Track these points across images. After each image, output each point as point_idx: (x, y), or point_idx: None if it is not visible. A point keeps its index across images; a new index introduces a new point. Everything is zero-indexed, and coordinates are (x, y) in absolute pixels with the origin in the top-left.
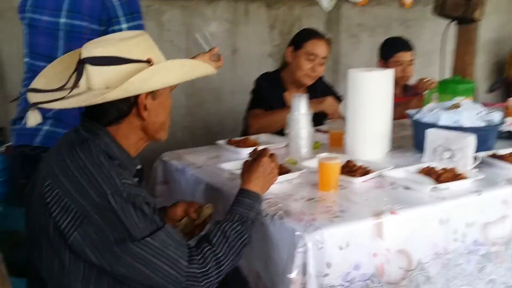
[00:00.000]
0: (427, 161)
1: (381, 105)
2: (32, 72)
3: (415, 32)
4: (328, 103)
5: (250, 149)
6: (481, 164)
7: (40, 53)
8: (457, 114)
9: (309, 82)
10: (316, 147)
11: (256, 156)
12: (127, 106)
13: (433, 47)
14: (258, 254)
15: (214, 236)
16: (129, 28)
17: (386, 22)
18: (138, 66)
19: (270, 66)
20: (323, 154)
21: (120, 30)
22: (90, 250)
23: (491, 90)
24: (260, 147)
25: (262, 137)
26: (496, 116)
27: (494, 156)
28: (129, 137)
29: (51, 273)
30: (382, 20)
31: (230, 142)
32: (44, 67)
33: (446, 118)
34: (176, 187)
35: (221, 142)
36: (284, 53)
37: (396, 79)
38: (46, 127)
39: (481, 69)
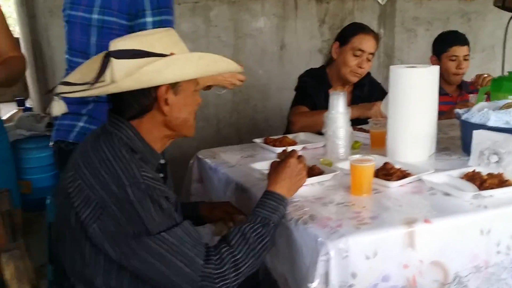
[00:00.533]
0: (473, 165)
1: (425, 104)
2: (71, 68)
3: (475, 25)
4: (377, 110)
5: (289, 149)
6: None
7: (77, 49)
8: (508, 115)
9: (355, 79)
10: (356, 147)
11: (284, 157)
12: (149, 100)
13: (495, 42)
14: (284, 258)
15: (234, 238)
16: (154, 22)
17: (445, 16)
18: (159, 59)
19: (319, 62)
20: (356, 156)
21: (144, 23)
22: (108, 243)
23: None
24: (292, 148)
25: (301, 136)
26: None
27: None
28: (152, 132)
29: (73, 265)
30: (440, 14)
31: (267, 141)
32: (80, 63)
33: (495, 119)
34: (210, 186)
35: (257, 140)
36: (330, 49)
37: (451, 76)
38: (81, 124)
39: None
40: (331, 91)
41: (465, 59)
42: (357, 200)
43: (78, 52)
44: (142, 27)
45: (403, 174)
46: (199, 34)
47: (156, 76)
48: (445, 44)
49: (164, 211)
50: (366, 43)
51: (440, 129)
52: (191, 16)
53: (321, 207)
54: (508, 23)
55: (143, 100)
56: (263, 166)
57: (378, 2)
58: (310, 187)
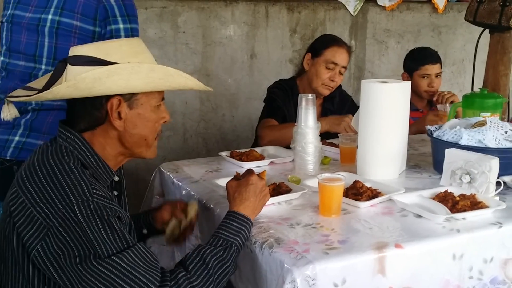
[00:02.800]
0: (445, 184)
1: (396, 120)
2: (6, 71)
3: (446, 39)
4: (346, 125)
5: (255, 163)
6: (506, 190)
7: (19, 51)
8: (481, 133)
9: (326, 92)
10: (326, 163)
11: (244, 175)
12: (100, 113)
13: (466, 56)
14: (249, 282)
15: (192, 262)
16: (125, 29)
17: (416, 28)
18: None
19: (290, 72)
20: (325, 174)
21: (118, 29)
22: (52, 267)
23: None
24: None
25: (269, 149)
26: None
27: None
28: (105, 147)
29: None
30: (412, 26)
31: (233, 154)
32: (21, 65)
33: (468, 137)
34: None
35: (223, 154)
36: (302, 59)
37: (422, 93)
38: (17, 138)
39: None
40: (300, 95)
41: (437, 77)
42: (326, 221)
43: (20, 54)
44: (115, 34)
45: (373, 194)
46: (166, 40)
47: (97, 85)
48: (416, 62)
49: (115, 232)
50: (340, 56)
51: (410, 145)
52: (158, 21)
53: (287, 229)
54: (479, 38)
55: (94, 111)
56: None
57: (350, 13)
58: (277, 206)
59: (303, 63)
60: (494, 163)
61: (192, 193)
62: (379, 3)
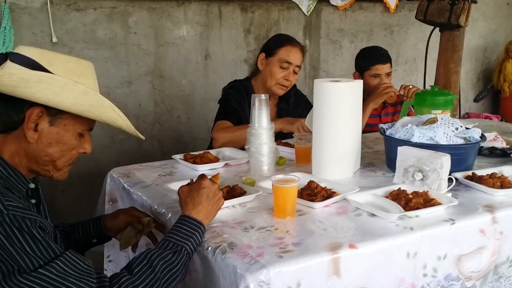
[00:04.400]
0: (398, 182)
1: (350, 119)
2: None
3: (398, 38)
4: (300, 125)
5: (209, 166)
6: (458, 186)
7: None
8: (432, 131)
9: (281, 91)
10: (281, 163)
11: (196, 180)
12: (18, 117)
13: (418, 54)
14: None
15: (138, 265)
16: None
17: (368, 28)
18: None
19: (245, 72)
20: (279, 176)
21: None
22: None
23: (477, 99)
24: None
25: (225, 151)
26: (475, 132)
27: (472, 177)
28: (15, 157)
29: None
30: (364, 26)
31: (186, 157)
32: None
33: (419, 135)
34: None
35: (177, 156)
36: (256, 59)
37: (373, 90)
38: None
39: (468, 77)
40: (253, 95)
41: (388, 76)
42: (280, 223)
43: None
44: None
45: (328, 194)
46: (117, 41)
47: (22, 87)
48: (367, 62)
49: (39, 243)
50: (293, 55)
51: (364, 143)
52: (108, 22)
53: (241, 233)
54: (430, 36)
55: (12, 113)
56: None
57: (304, 13)
58: (231, 209)
59: (257, 63)
60: (445, 160)
61: (144, 198)
62: (332, 2)
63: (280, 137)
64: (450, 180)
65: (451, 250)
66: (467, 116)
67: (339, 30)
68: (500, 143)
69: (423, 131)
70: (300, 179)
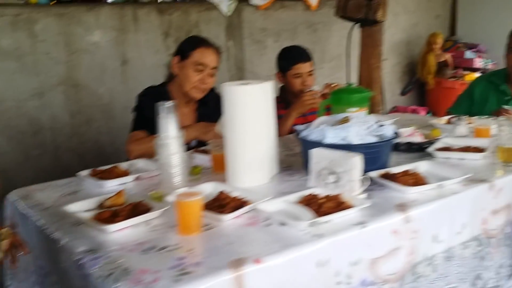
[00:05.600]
0: (313, 186)
1: (261, 122)
2: None
3: (322, 35)
4: (214, 133)
5: (118, 181)
6: (374, 186)
7: None
8: (345, 130)
9: (199, 95)
10: (196, 173)
11: None
12: None
13: (343, 51)
14: None
15: None
16: None
17: (292, 26)
18: None
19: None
20: (182, 189)
21: None
22: None
23: (404, 92)
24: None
25: (138, 163)
26: (388, 129)
27: (386, 176)
28: None
29: None
30: (288, 24)
31: (93, 173)
32: None
33: (332, 135)
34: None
35: (82, 173)
36: (170, 64)
37: (297, 92)
38: None
39: (393, 71)
40: (178, 110)
41: (310, 75)
42: (184, 241)
43: None
44: None
45: (239, 204)
46: (23, 51)
47: None
48: (287, 62)
49: None
50: (208, 57)
51: (286, 145)
52: (13, 30)
53: (139, 256)
54: (349, 32)
55: None
56: (81, 206)
57: (224, 14)
58: (133, 229)
59: (172, 67)
60: (357, 160)
61: (40, 222)
62: (251, 2)
63: (199, 144)
64: (367, 180)
65: (364, 254)
66: (395, 110)
67: (262, 29)
68: (418, 138)
69: (336, 131)
70: (211, 190)
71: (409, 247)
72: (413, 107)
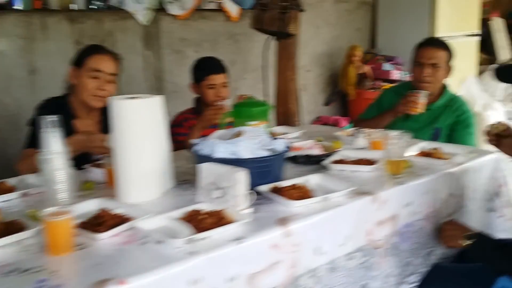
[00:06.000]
0: (201, 201)
1: (150, 137)
2: None
3: (244, 46)
4: (99, 145)
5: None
6: (263, 200)
7: None
8: (234, 145)
9: (99, 103)
10: (87, 188)
11: None
12: None
13: (265, 62)
14: None
15: None
16: None
17: (213, 37)
18: None
19: None
20: (51, 209)
21: None
22: None
23: (327, 102)
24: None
25: (29, 178)
26: (280, 143)
27: (275, 190)
28: None
29: None
30: (208, 35)
31: None
32: None
33: (222, 150)
34: None
35: None
36: (67, 74)
37: (211, 103)
38: None
39: (316, 82)
40: (80, 122)
41: (224, 86)
42: (52, 262)
43: None
44: None
45: (117, 222)
46: None
47: None
48: (201, 73)
49: None
50: (103, 63)
51: (187, 158)
52: None
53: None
54: (266, 44)
55: None
56: None
57: (141, 23)
58: (3, 250)
59: (69, 77)
60: (242, 175)
61: None
62: (169, 12)
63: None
64: (253, 194)
65: (242, 269)
66: (319, 120)
67: (182, 39)
68: (316, 150)
69: (227, 146)
70: (96, 206)
71: (290, 261)
72: (336, 117)
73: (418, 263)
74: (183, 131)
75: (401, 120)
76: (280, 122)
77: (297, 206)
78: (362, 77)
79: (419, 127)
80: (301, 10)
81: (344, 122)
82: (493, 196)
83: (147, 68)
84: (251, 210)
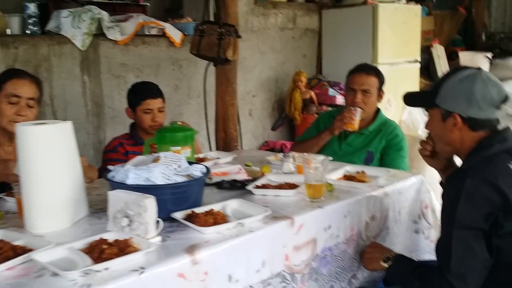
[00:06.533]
0: (111, 230)
1: (59, 164)
2: None
3: (188, 72)
4: (12, 172)
5: None
6: (177, 227)
7: None
8: (147, 171)
9: None
10: None
11: None
12: None
13: (210, 87)
14: None
15: None
16: None
17: (155, 62)
18: None
19: None
20: None
21: None
22: None
23: (274, 127)
24: None
25: None
26: (198, 168)
27: (190, 216)
28: None
29: None
30: (150, 60)
31: None
32: None
33: (135, 176)
34: None
35: None
36: None
37: (148, 128)
38: None
39: (263, 107)
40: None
41: (160, 111)
42: None
43: None
44: None
45: (15, 254)
46: None
47: None
48: (138, 97)
49: None
50: (21, 88)
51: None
52: None
53: None
54: (206, 70)
55: None
56: None
57: (79, 48)
58: None
59: None
60: (150, 202)
61: None
62: (109, 37)
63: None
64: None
65: None
66: (266, 144)
67: (122, 65)
68: (242, 176)
69: (139, 172)
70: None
71: None
72: (282, 141)
73: (341, 287)
74: (117, 157)
75: (336, 144)
76: (220, 147)
77: (209, 232)
78: (307, 102)
79: (353, 151)
80: (238, 37)
81: (289, 145)
82: (418, 217)
83: (85, 93)
84: (160, 238)
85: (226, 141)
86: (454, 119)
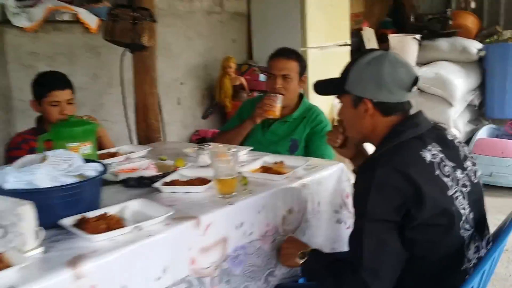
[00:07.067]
0: None
1: None
2: None
3: (107, 59)
4: None
5: None
6: (64, 235)
7: None
8: (30, 173)
9: None
10: None
11: None
12: None
13: (128, 76)
14: None
15: None
16: None
17: (69, 50)
18: None
19: None
20: None
21: None
22: None
23: (205, 116)
24: None
25: None
26: (93, 167)
27: (81, 222)
28: None
29: None
30: (64, 48)
31: None
32: None
33: (15, 179)
34: None
35: None
36: None
37: (55, 122)
38: None
39: (193, 95)
40: None
41: (69, 103)
42: None
43: None
44: None
45: None
46: None
47: None
48: (43, 89)
49: None
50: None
51: None
52: None
53: None
54: (122, 57)
55: None
56: None
57: None
58: None
59: None
60: (26, 209)
61: None
62: (15, 24)
63: None
64: (42, 232)
65: None
66: (197, 134)
67: (32, 53)
68: (151, 171)
69: (20, 175)
70: None
71: None
72: (214, 130)
73: (258, 287)
74: (21, 155)
75: (260, 133)
76: (141, 139)
77: (100, 240)
78: (238, 89)
79: (277, 139)
80: (154, 21)
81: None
82: (340, 207)
83: None
84: (42, 249)
85: (147, 132)
86: (365, 105)
